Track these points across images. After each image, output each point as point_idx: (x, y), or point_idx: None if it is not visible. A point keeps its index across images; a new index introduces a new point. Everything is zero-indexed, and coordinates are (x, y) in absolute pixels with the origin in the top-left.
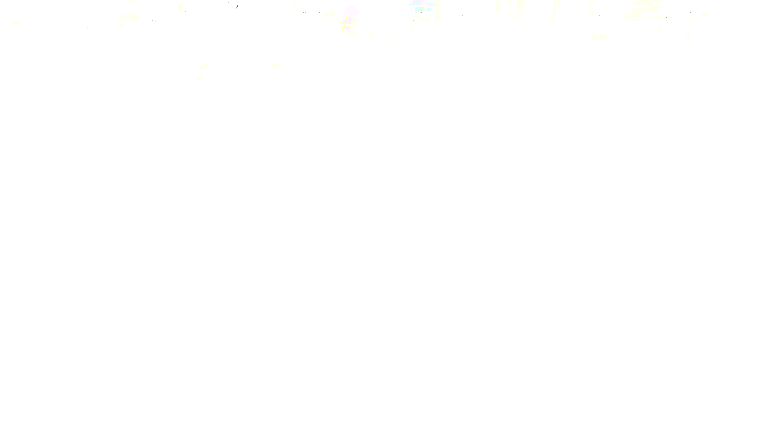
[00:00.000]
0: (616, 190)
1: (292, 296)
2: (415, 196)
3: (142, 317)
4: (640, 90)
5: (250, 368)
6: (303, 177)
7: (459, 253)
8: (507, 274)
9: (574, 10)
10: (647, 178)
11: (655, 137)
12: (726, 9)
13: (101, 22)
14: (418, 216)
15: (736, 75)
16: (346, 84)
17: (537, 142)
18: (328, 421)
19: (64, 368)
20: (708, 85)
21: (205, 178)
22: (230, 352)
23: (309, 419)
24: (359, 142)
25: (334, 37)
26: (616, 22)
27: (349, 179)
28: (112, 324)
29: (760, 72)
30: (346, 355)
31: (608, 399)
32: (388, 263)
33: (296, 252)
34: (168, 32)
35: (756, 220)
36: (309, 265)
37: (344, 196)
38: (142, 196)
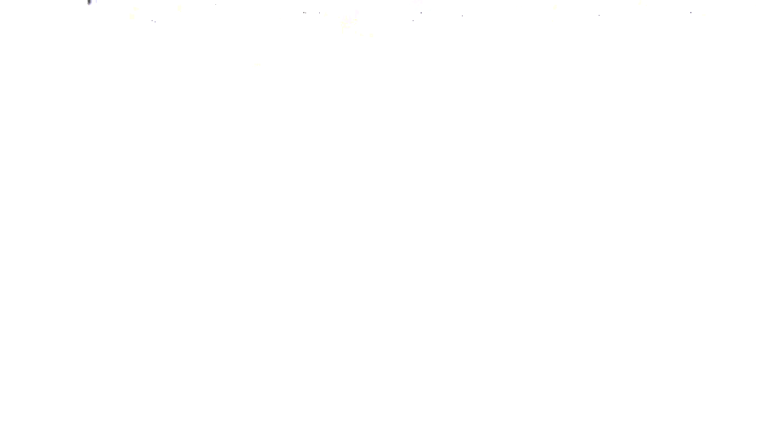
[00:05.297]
0: (616, 191)
1: (290, 297)
2: (416, 196)
3: (142, 316)
4: (640, 90)
5: (249, 368)
6: (303, 178)
7: (461, 254)
8: (508, 273)
9: (574, 10)
10: (648, 179)
11: (655, 138)
12: (726, 9)
13: (100, 22)
14: (419, 216)
15: (736, 75)
16: (345, 84)
17: (537, 142)
18: (328, 422)
19: (64, 368)
20: (708, 86)
21: (205, 178)
22: (230, 352)
23: (309, 419)
24: (359, 142)
25: (334, 37)
26: (615, 22)
27: (349, 179)
28: (112, 324)
29: (760, 72)
30: (345, 355)
31: (608, 399)
32: (389, 265)
33: (290, 255)
34: (168, 32)
35: (756, 220)
36: (305, 265)
37: (344, 196)
38: (137, 196)
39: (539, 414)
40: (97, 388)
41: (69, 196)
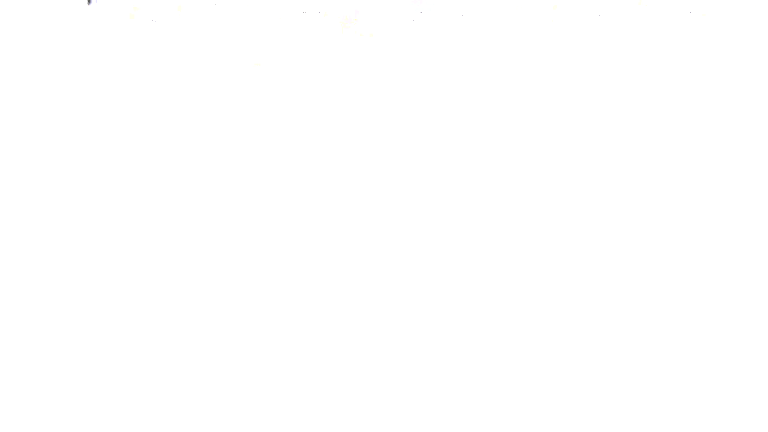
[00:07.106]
0: (616, 191)
1: (290, 296)
2: (416, 196)
3: (142, 317)
4: (640, 90)
5: (250, 368)
6: (303, 177)
7: (461, 254)
8: (508, 273)
9: (574, 10)
10: (648, 179)
11: (655, 138)
12: (726, 9)
13: (100, 22)
14: (419, 216)
15: (736, 75)
16: (345, 84)
17: (538, 142)
18: (327, 422)
19: (64, 368)
20: (708, 86)
21: (205, 178)
22: (230, 353)
23: (309, 419)
24: (359, 142)
25: (334, 37)
26: (615, 22)
27: (349, 179)
28: (113, 323)
29: (760, 72)
30: (345, 356)
31: (608, 399)
32: (389, 265)
33: (290, 254)
34: (168, 32)
35: (757, 220)
36: (305, 264)
37: (344, 196)
38: (137, 195)
39: (539, 414)
40: (97, 388)
41: (69, 196)
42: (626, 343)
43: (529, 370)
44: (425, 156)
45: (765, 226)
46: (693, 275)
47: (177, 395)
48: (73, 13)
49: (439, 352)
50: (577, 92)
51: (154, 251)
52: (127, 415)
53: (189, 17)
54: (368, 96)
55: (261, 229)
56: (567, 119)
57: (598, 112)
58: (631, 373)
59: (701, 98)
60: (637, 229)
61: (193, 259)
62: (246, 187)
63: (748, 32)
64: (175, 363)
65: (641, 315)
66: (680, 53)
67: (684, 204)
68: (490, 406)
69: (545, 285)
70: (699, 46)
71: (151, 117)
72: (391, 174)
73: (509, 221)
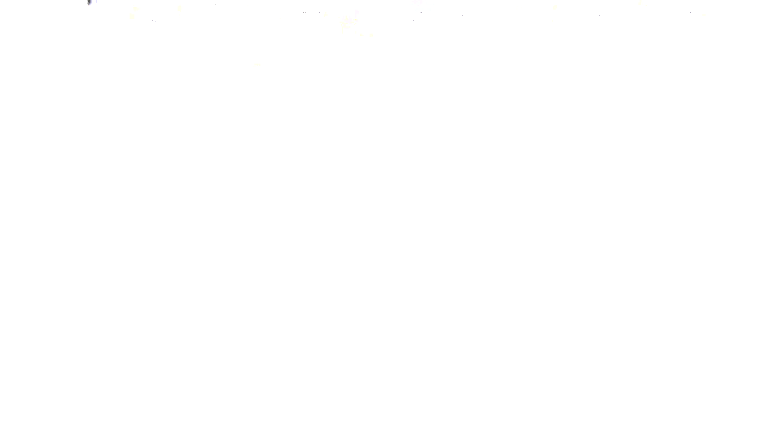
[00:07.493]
0: (616, 191)
1: (290, 296)
2: (416, 196)
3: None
4: (640, 90)
5: (250, 368)
6: (303, 177)
7: (461, 254)
8: (508, 273)
9: (574, 10)
10: (648, 179)
11: (655, 138)
12: (726, 9)
13: (100, 22)
14: (419, 216)
15: (736, 75)
16: (345, 84)
17: (538, 142)
18: (327, 422)
19: (64, 368)
20: (708, 86)
21: (206, 178)
22: (230, 353)
23: (309, 419)
24: (359, 142)
25: (334, 37)
26: (615, 22)
27: (349, 179)
28: (113, 324)
29: (760, 72)
30: (346, 356)
31: (608, 399)
32: (389, 265)
33: (290, 254)
34: (168, 32)
35: (757, 220)
36: (305, 265)
37: (344, 196)
38: (137, 195)
39: (539, 414)
40: (97, 388)
41: (69, 196)
42: (626, 342)
43: (529, 370)
44: (425, 155)
45: (765, 226)
46: (693, 274)
47: (177, 395)
48: (73, 13)
49: (438, 351)
50: (577, 92)
51: (154, 250)
52: (127, 415)
53: (189, 17)
54: (368, 96)
55: (261, 228)
56: (567, 119)
57: (598, 111)
58: (630, 372)
59: (701, 98)
60: (636, 229)
61: (193, 258)
62: (246, 186)
63: (748, 32)
64: (174, 362)
65: (641, 314)
66: (680, 53)
67: (684, 203)
68: (490, 405)
69: (545, 284)
70: (699, 46)
71: (152, 117)
72: (391, 173)
73: (509, 220)
